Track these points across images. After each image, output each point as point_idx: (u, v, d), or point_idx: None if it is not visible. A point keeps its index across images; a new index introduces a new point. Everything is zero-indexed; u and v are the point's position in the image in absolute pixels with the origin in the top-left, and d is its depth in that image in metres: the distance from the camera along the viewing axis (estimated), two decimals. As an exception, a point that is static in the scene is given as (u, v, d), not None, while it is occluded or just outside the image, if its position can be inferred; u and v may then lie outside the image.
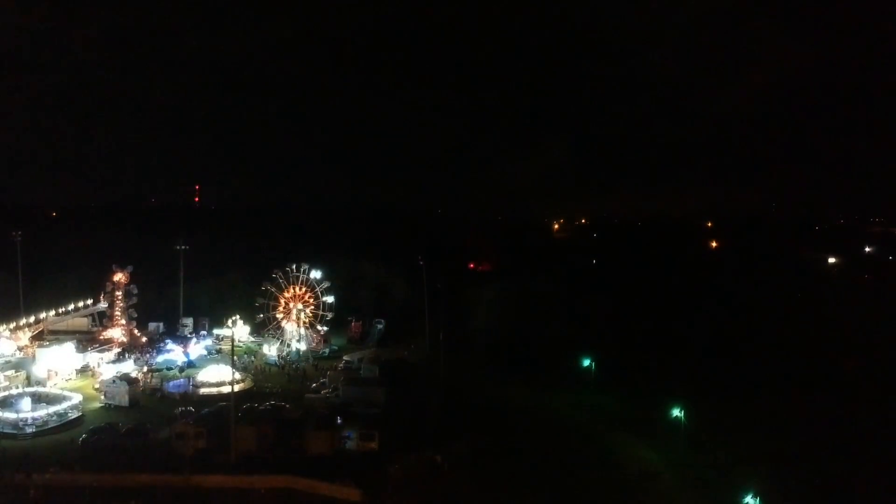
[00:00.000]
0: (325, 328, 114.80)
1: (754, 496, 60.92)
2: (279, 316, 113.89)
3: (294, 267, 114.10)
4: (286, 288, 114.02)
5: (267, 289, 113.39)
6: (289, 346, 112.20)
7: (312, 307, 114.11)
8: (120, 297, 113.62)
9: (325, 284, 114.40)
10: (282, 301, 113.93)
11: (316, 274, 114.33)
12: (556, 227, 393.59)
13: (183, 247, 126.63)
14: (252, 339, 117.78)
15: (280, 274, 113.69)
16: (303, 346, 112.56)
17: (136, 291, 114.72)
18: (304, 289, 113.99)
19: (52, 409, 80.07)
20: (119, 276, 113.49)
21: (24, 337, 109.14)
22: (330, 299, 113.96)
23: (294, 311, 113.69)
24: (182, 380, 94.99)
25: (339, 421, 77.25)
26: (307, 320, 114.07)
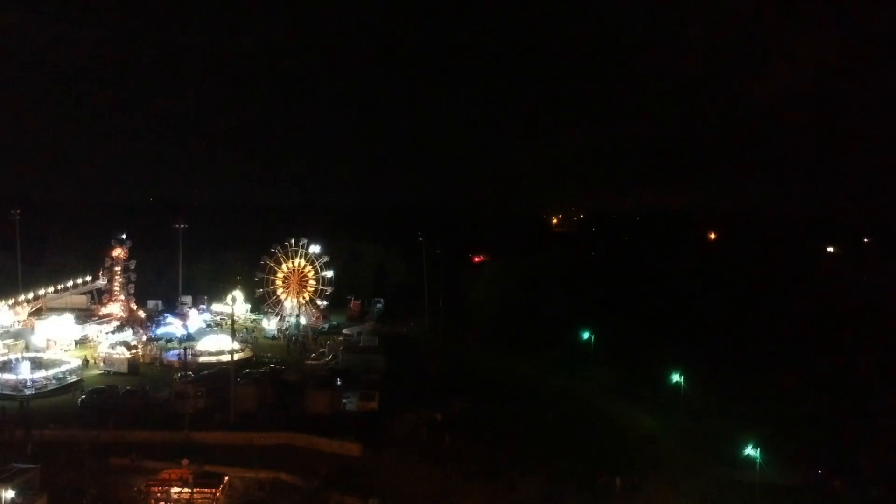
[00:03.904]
0: (325, 303, 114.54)
1: (754, 447, 61.10)
2: (278, 290, 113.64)
3: (293, 241, 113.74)
4: (285, 262, 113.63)
5: (266, 263, 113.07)
6: (288, 320, 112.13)
7: (312, 281, 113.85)
8: (119, 273, 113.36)
9: (325, 259, 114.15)
10: (280, 276, 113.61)
11: (315, 248, 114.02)
12: (555, 221, 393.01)
13: (182, 225, 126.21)
14: (252, 316, 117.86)
15: (279, 248, 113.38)
16: (303, 321, 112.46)
17: (134, 267, 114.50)
18: (303, 263, 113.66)
19: (52, 371, 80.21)
20: (118, 252, 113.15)
21: (23, 312, 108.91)
22: (329, 274, 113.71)
23: (293, 286, 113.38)
24: (180, 350, 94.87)
25: (339, 382, 77.39)
26: (307, 295, 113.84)
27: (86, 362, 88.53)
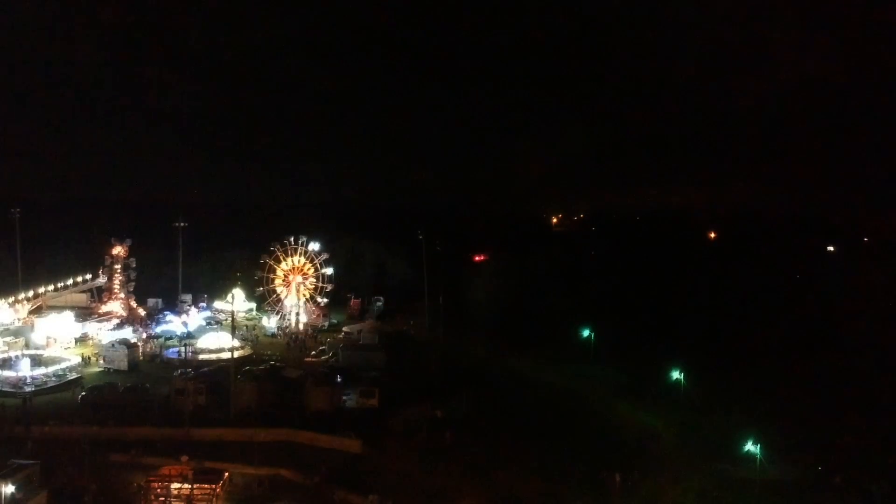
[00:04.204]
0: (326, 299, 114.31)
1: (754, 442, 61.06)
2: (279, 289, 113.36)
3: (292, 239, 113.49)
4: (284, 260, 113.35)
5: (265, 262, 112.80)
6: (288, 318, 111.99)
7: (312, 279, 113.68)
8: (119, 271, 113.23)
9: (325, 256, 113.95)
10: (280, 274, 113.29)
11: (314, 246, 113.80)
12: (555, 221, 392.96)
13: (182, 224, 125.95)
14: (253, 313, 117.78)
15: (278, 246, 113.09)
16: (303, 319, 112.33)
17: (134, 265, 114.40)
18: (302, 260, 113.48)
19: (51, 369, 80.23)
20: (118, 250, 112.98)
21: (23, 310, 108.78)
22: (329, 270, 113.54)
23: (293, 284, 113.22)
24: (180, 347, 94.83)
25: (339, 379, 77.35)
26: (307, 293, 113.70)
27: (87, 360, 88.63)
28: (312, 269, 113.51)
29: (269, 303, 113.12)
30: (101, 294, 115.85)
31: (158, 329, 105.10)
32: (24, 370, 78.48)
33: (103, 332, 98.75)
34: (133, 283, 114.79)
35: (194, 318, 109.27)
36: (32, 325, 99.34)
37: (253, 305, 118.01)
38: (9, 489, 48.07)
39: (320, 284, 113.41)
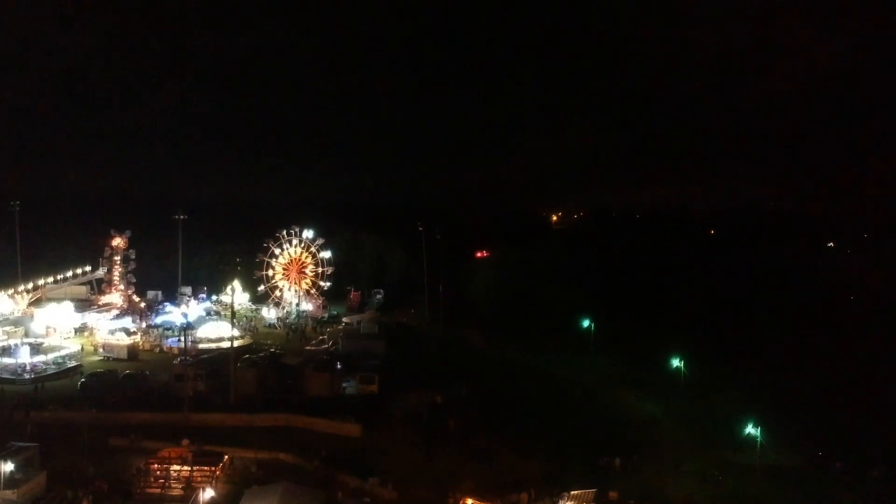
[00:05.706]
0: (328, 284, 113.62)
1: (754, 426, 61.07)
2: (280, 284, 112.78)
3: (285, 232, 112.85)
4: (282, 254, 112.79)
5: (262, 259, 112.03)
6: (288, 310, 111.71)
7: (311, 266, 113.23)
8: (118, 262, 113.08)
9: (320, 241, 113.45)
10: (279, 268, 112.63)
11: (308, 234, 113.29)
12: (555, 218, 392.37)
13: (182, 217, 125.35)
14: (252, 306, 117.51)
15: (271, 242, 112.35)
16: (306, 306, 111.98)
17: (134, 256, 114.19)
18: (299, 251, 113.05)
19: (51, 356, 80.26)
20: (117, 241, 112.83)
21: (23, 302, 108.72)
22: (327, 255, 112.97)
23: (293, 276, 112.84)
24: (179, 336, 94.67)
25: (338, 367, 77.31)
26: (307, 283, 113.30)
27: (94, 348, 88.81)
28: (310, 258, 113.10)
29: (271, 299, 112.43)
30: (100, 286, 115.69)
31: (158, 320, 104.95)
32: (24, 358, 78.44)
33: (103, 322, 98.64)
34: (132, 275, 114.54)
35: (194, 309, 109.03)
36: (32, 316, 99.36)
37: (248, 298, 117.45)
38: (8, 466, 48.10)
39: (320, 269, 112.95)
